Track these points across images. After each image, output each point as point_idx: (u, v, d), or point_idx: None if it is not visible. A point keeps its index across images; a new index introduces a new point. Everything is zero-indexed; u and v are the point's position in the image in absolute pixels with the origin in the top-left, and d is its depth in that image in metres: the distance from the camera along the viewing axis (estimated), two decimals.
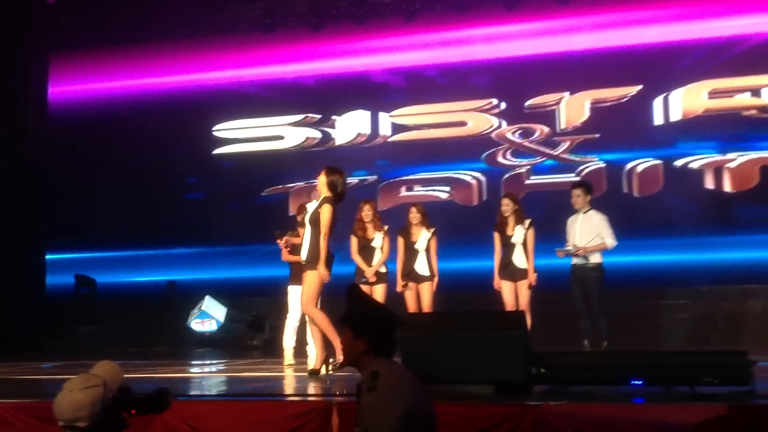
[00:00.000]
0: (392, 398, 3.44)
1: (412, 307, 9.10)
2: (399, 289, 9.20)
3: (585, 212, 9.04)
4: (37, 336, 13.19)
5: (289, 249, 9.21)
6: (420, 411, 3.52)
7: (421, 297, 9.11)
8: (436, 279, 9.17)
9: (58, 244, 14.66)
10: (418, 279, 9.15)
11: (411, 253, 9.19)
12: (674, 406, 5.03)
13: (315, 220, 7.56)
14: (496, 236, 9.18)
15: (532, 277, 8.98)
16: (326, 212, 7.50)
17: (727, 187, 12.28)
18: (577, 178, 12.20)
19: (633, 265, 11.50)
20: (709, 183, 12.35)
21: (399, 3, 13.61)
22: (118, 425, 3.35)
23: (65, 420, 3.19)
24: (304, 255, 7.60)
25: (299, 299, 9.01)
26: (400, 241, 9.28)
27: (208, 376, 8.61)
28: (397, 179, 13.75)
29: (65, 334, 13.20)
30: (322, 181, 7.72)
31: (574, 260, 8.93)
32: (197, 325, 13.23)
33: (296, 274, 8.87)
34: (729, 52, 12.40)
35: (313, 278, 7.51)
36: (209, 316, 13.22)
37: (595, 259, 8.87)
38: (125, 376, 3.49)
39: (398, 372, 3.63)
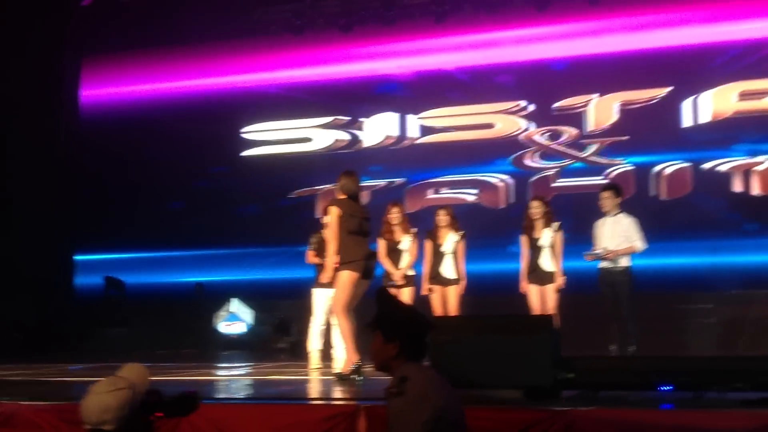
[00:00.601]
0: (420, 404, 3.42)
1: (438, 310, 9.07)
2: (424, 292, 9.17)
3: (614, 215, 8.98)
4: (67, 337, 13.29)
5: (315, 251, 9.24)
6: (449, 416, 3.49)
7: (448, 300, 9.09)
8: (463, 282, 9.14)
9: (88, 246, 14.78)
10: (445, 282, 9.12)
11: (438, 256, 9.17)
12: (704, 412, 4.98)
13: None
14: (524, 239, 9.13)
15: (560, 280, 8.93)
16: (331, 214, 7.60)
17: (756, 190, 12.15)
18: (606, 181, 12.16)
19: (661, 268, 11.41)
20: (738, 186, 12.23)
21: (428, 4, 13.62)
22: (145, 428, 3.37)
23: (92, 423, 3.20)
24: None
25: (324, 302, 9.09)
26: (428, 243, 9.25)
27: (234, 378, 8.64)
28: (425, 182, 13.73)
29: (94, 335, 13.29)
30: (337, 185, 7.95)
31: (603, 264, 8.86)
32: (225, 327, 13.29)
33: (321, 276, 8.91)
34: (759, 54, 12.29)
35: (341, 279, 7.52)
36: (238, 318, 13.28)
37: (624, 262, 8.81)
38: (153, 378, 3.50)
39: (428, 377, 3.60)
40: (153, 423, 3.44)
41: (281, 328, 12.95)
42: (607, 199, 9.00)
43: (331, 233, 7.59)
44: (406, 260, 9.06)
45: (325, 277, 7.83)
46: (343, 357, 8.05)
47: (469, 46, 13.60)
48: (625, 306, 8.68)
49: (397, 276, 8.99)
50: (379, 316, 3.74)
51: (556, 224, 9.07)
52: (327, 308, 9.08)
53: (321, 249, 8.81)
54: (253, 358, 11.61)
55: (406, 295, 8.94)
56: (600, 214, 9.09)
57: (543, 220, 9.04)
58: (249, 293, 13.43)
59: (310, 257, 9.37)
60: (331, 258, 7.56)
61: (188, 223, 14.15)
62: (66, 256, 14.75)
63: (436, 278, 9.15)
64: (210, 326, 13.26)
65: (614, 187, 9.41)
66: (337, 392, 6.75)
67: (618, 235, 8.81)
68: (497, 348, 5.60)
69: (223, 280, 13.92)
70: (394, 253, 9.09)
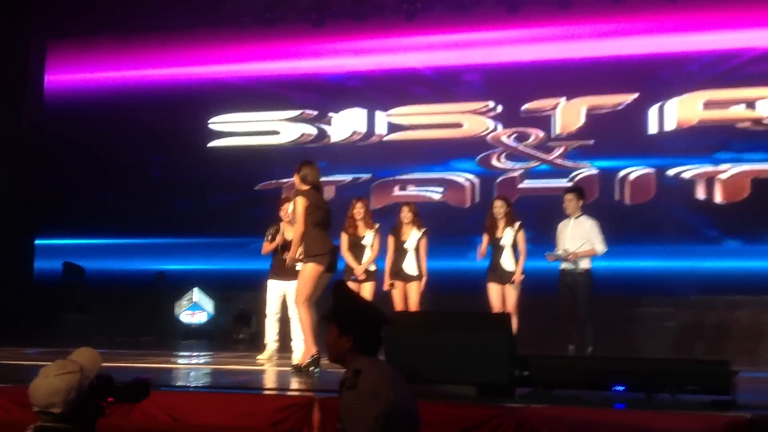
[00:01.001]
0: (372, 397, 3.43)
1: (399, 306, 9.11)
2: (386, 287, 9.21)
3: (576, 217, 9.07)
4: (26, 323, 13.14)
5: (271, 242, 9.19)
6: (401, 410, 3.50)
7: (409, 296, 9.13)
8: (424, 279, 9.18)
9: (49, 231, 14.62)
10: (406, 278, 9.16)
11: (400, 252, 9.21)
12: (655, 413, 5.05)
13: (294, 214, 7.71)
14: (485, 238, 9.20)
15: (519, 277, 8.99)
16: (298, 205, 7.56)
17: (718, 198, 12.29)
18: (570, 184, 12.24)
19: (622, 272, 11.52)
20: (701, 193, 12.36)
21: (400, 2, 13.59)
22: (94, 412, 3.33)
23: (40, 405, 3.18)
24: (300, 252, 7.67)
25: (277, 293, 9.07)
26: (391, 239, 9.29)
27: (191, 367, 8.61)
28: (391, 178, 13.73)
29: (53, 321, 13.16)
30: (295, 179, 7.84)
31: (563, 265, 8.95)
32: (187, 316, 13.22)
33: (276, 269, 9.02)
34: (725, 65, 12.42)
35: (305, 272, 7.51)
36: (200, 308, 13.22)
37: (584, 264, 8.90)
38: (111, 365, 3.47)
39: (381, 370, 3.61)
40: (103, 408, 3.40)
41: (241, 319, 12.91)
42: (570, 201, 9.09)
43: (297, 224, 7.55)
44: (368, 255, 9.09)
45: (289, 262, 7.79)
46: (301, 348, 8.07)
47: (440, 45, 13.60)
48: (584, 307, 8.78)
49: (358, 271, 9.03)
50: (334, 309, 3.75)
51: (517, 224, 9.15)
52: (280, 300, 9.06)
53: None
54: (212, 348, 11.57)
55: (367, 289, 8.98)
56: (564, 215, 9.17)
57: (505, 219, 9.11)
58: (210, 283, 13.35)
59: (266, 248, 9.28)
60: (296, 247, 7.57)
61: (151, 212, 14.04)
62: (26, 240, 14.58)
63: (398, 274, 9.18)
64: (170, 315, 13.17)
65: (577, 189, 9.51)
66: (294, 383, 6.75)
67: (579, 237, 8.90)
68: (454, 344, 5.63)
69: (185, 270, 13.84)
70: (357, 248, 9.11)
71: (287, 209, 8.93)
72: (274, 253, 9.15)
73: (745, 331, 11.22)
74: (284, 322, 8.97)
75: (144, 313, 13.06)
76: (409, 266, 9.17)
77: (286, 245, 8.74)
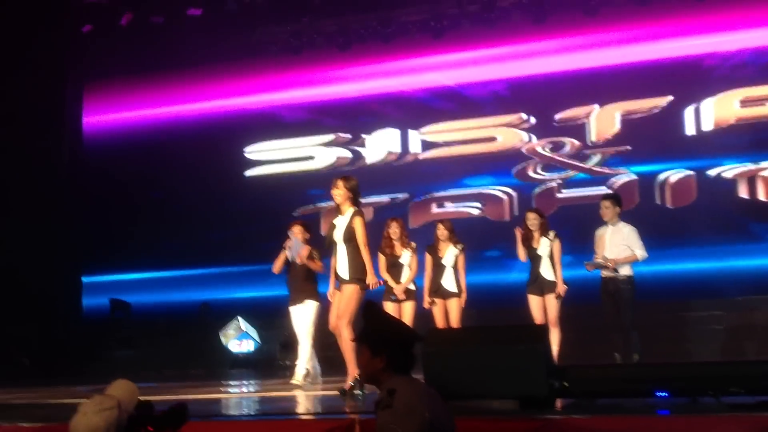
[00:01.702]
0: (407, 416, 3.41)
1: (440, 323, 9.08)
2: (426, 305, 9.19)
3: (614, 224, 8.98)
4: (74, 360, 13.32)
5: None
6: (437, 428, 3.47)
7: (449, 313, 9.10)
8: (464, 295, 9.14)
9: (95, 268, 14.84)
10: (446, 295, 9.13)
11: (438, 269, 9.19)
12: (699, 417, 4.97)
13: (350, 237, 7.54)
14: (521, 247, 9.19)
15: (562, 287, 8.94)
16: (359, 225, 7.52)
17: (762, 195, 12.11)
18: (610, 191, 12.15)
19: (667, 276, 11.42)
20: (743, 192, 12.20)
21: (426, 21, 13.65)
22: None
23: None
24: (344, 273, 7.56)
25: (301, 320, 9.22)
26: (428, 257, 9.28)
27: (235, 396, 8.64)
28: (428, 197, 13.74)
29: (101, 357, 13.32)
30: (340, 192, 7.69)
31: (605, 273, 8.85)
32: (235, 345, 13.28)
33: (295, 295, 9.27)
34: (759, 61, 12.29)
35: (355, 294, 7.47)
36: (249, 336, 13.28)
37: (626, 271, 8.79)
38: (159, 398, 3.50)
39: (415, 389, 3.59)
40: None
41: (287, 346, 12.95)
42: (608, 209, 9.00)
43: (363, 245, 7.51)
44: (406, 274, 9.08)
45: (372, 282, 7.59)
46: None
47: (468, 60, 13.63)
48: (628, 315, 8.66)
49: (398, 290, 9.02)
50: (365, 331, 3.75)
51: (552, 233, 9.11)
52: (305, 326, 9.19)
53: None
54: (259, 376, 11.62)
55: (407, 309, 8.98)
56: (602, 223, 9.10)
57: (540, 230, 9.09)
58: (251, 311, 13.41)
59: (277, 266, 9.45)
60: (370, 263, 7.57)
61: (192, 243, 14.18)
62: (72, 278, 14.82)
63: (438, 291, 9.16)
64: (216, 345, 13.25)
65: (614, 196, 9.42)
66: (337, 407, 6.75)
67: (618, 244, 8.80)
68: (491, 358, 5.60)
69: (226, 299, 13.94)
70: (395, 268, 9.11)
71: (297, 232, 9.27)
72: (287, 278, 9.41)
73: None
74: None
75: (190, 344, 13.16)
76: (448, 283, 9.14)
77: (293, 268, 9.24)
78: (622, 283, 8.78)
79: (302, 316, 9.17)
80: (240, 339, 13.28)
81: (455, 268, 9.16)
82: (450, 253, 9.17)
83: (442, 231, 9.25)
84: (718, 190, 12.32)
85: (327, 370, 9.49)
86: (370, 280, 7.50)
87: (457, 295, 9.11)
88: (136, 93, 15.13)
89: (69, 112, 15.24)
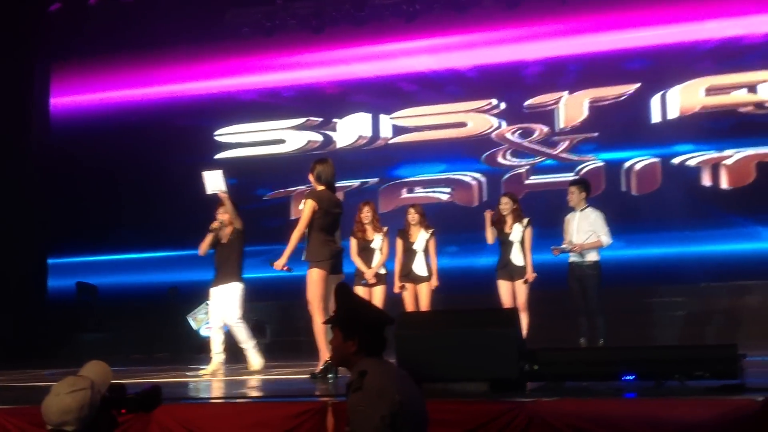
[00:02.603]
0: (378, 398, 3.45)
1: (410, 307, 9.13)
2: (396, 290, 9.23)
3: (582, 210, 9.08)
4: (42, 344, 13.23)
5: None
6: (409, 410, 3.51)
7: (419, 297, 9.15)
8: (434, 278, 9.19)
9: (60, 249, 14.73)
10: (417, 279, 9.18)
11: (409, 253, 9.23)
12: (665, 400, 5.06)
13: None
14: (490, 230, 9.24)
15: (531, 275, 9.03)
16: (306, 207, 7.55)
17: (724, 183, 12.31)
18: (576, 177, 12.27)
19: (632, 262, 11.57)
20: (707, 180, 12.39)
21: (399, 5, 13.66)
22: (108, 424, 3.36)
23: (53, 424, 3.19)
24: (304, 254, 7.63)
25: (219, 302, 9.07)
26: (399, 242, 9.31)
27: (204, 379, 8.65)
28: (398, 181, 13.79)
29: (69, 341, 13.24)
30: (310, 178, 7.83)
31: (572, 258, 8.98)
32: (207, 330, 13.21)
33: (219, 276, 9.05)
34: (725, 50, 12.46)
35: (310, 278, 7.51)
36: None
37: (592, 257, 8.92)
38: (127, 381, 3.50)
39: (386, 371, 3.63)
40: (116, 418, 3.43)
41: (256, 330, 12.93)
42: (574, 194, 9.12)
43: (299, 226, 7.54)
44: (377, 259, 9.10)
45: (280, 264, 7.63)
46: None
47: (440, 45, 13.68)
48: (594, 300, 8.80)
49: (369, 274, 9.03)
50: (337, 314, 3.78)
51: (525, 220, 9.17)
52: (222, 308, 9.01)
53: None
54: (228, 360, 11.60)
55: (378, 293, 8.99)
56: (570, 209, 9.20)
57: (513, 215, 9.15)
58: None
59: (202, 248, 9.24)
60: (289, 251, 7.56)
61: (160, 226, 14.10)
62: (38, 260, 14.70)
63: (408, 276, 9.20)
64: (184, 329, 13.20)
65: (582, 182, 9.54)
66: (307, 390, 6.79)
67: (585, 230, 8.93)
68: (463, 341, 5.65)
69: (195, 282, 13.88)
70: (366, 252, 9.12)
71: (223, 212, 9.10)
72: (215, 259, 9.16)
73: (756, 316, 11.20)
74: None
75: (158, 328, 13.10)
76: (419, 267, 9.19)
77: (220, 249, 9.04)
78: (588, 269, 8.92)
79: (224, 298, 8.97)
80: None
81: (426, 252, 9.22)
82: (421, 238, 9.22)
83: (413, 215, 9.29)
84: (682, 177, 12.48)
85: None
86: (280, 262, 7.55)
87: (428, 279, 9.16)
88: (104, 74, 14.97)
89: (36, 92, 15.07)
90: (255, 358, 8.95)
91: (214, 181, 9.06)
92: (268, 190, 14.14)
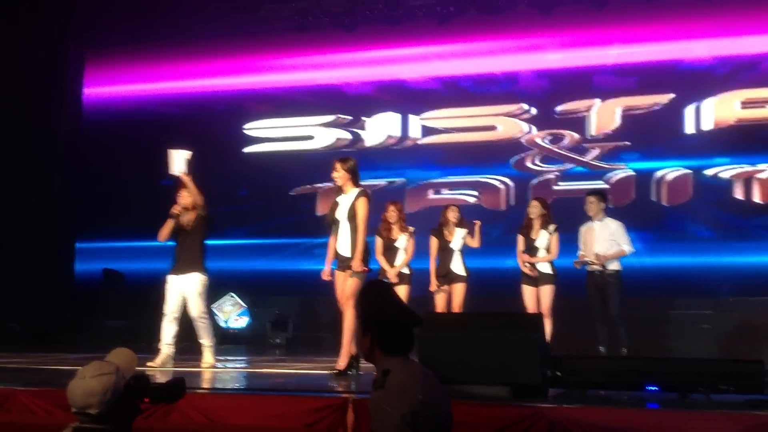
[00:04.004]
0: (399, 397, 3.42)
1: (441, 308, 9.10)
2: (433, 288, 9.19)
3: (600, 220, 9.03)
4: (65, 328, 13.32)
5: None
6: (431, 410, 3.46)
7: (454, 297, 9.15)
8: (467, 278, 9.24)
9: (89, 235, 14.80)
10: (455, 279, 9.19)
11: (446, 253, 9.22)
12: (689, 412, 5.02)
13: (353, 215, 7.39)
14: (520, 239, 9.20)
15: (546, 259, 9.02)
16: (362, 206, 7.36)
17: (757, 197, 12.18)
18: (607, 186, 12.23)
19: (660, 273, 11.49)
20: (739, 193, 12.27)
21: (433, 6, 13.64)
22: (131, 412, 3.38)
23: (77, 406, 3.22)
24: (345, 251, 7.40)
25: (177, 291, 8.46)
26: (434, 241, 9.29)
27: (228, 371, 8.68)
28: (425, 182, 13.77)
29: (93, 327, 13.31)
30: (339, 174, 7.50)
31: (591, 267, 8.92)
32: (235, 322, 13.26)
33: (180, 264, 8.46)
34: (762, 64, 12.33)
35: (357, 282, 7.31)
36: (247, 313, 13.25)
37: (614, 266, 8.88)
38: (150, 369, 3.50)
39: (410, 370, 3.59)
40: (140, 408, 3.46)
41: (278, 324, 13.00)
42: (593, 204, 9.06)
43: (361, 228, 7.29)
44: (401, 258, 9.10)
45: (357, 266, 7.25)
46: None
47: (473, 48, 13.63)
48: (615, 308, 8.74)
49: (391, 274, 9.04)
50: (358, 309, 3.77)
51: (552, 226, 9.12)
52: (181, 297, 8.44)
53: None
54: (250, 353, 11.66)
55: (401, 293, 8.96)
56: (586, 218, 9.15)
57: (540, 220, 9.10)
58: (244, 287, 13.37)
59: (162, 234, 8.60)
60: (360, 254, 7.28)
61: None
62: (67, 245, 14.81)
63: (447, 276, 9.20)
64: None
65: (599, 192, 9.53)
66: (329, 385, 6.79)
67: (606, 240, 8.88)
68: (486, 345, 5.63)
69: (219, 274, 13.91)
70: (390, 251, 9.14)
71: (185, 196, 8.53)
72: (174, 246, 8.57)
73: None
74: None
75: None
76: (457, 267, 9.23)
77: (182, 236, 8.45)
78: (609, 277, 8.86)
79: (187, 291, 8.41)
80: (240, 315, 13.27)
81: (462, 251, 9.22)
82: (458, 236, 9.22)
83: (454, 214, 9.28)
84: (714, 190, 12.38)
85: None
86: (357, 265, 7.25)
87: (465, 278, 9.16)
88: (137, 66, 15.07)
89: (70, 81, 15.19)
90: (209, 357, 8.47)
91: (179, 162, 8.50)
92: (295, 185, 14.15)
